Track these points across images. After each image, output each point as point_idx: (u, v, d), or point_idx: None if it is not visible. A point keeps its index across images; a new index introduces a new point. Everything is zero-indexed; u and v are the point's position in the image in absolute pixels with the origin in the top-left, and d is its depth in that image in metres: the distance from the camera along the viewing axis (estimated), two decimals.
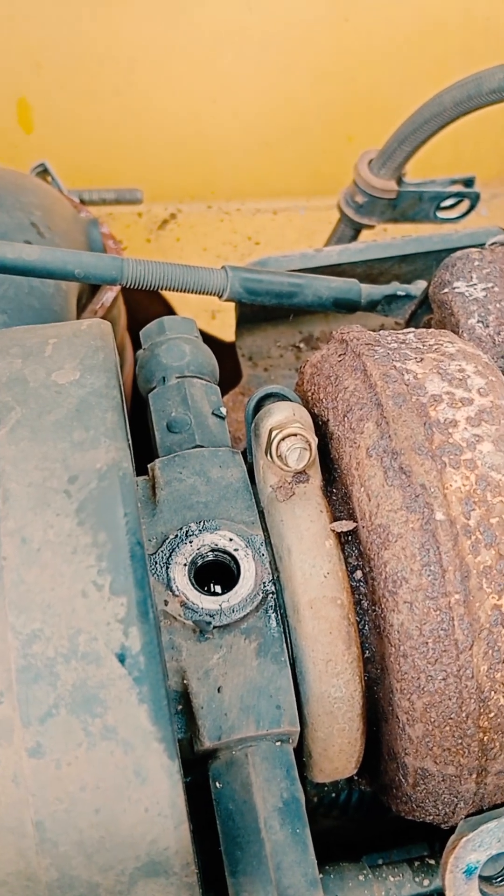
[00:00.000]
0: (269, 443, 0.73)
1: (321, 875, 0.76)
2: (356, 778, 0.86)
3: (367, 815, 1.13)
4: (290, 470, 0.73)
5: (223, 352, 1.29)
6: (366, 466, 0.70)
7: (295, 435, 0.73)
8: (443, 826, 0.74)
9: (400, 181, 1.32)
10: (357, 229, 1.39)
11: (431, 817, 0.73)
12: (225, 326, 1.53)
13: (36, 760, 0.57)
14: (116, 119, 1.73)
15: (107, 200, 1.50)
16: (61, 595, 0.58)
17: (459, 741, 0.67)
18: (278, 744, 0.70)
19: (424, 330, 0.82)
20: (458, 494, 0.67)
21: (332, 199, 1.42)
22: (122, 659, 0.57)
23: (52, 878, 0.58)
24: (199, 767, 0.72)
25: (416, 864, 0.78)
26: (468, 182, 1.35)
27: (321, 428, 0.78)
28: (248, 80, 1.74)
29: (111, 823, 0.58)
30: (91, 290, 1.27)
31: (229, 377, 1.25)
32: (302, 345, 1.24)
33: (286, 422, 0.73)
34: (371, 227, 1.38)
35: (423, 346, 0.77)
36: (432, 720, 0.67)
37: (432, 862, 0.77)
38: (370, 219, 1.35)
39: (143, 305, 1.51)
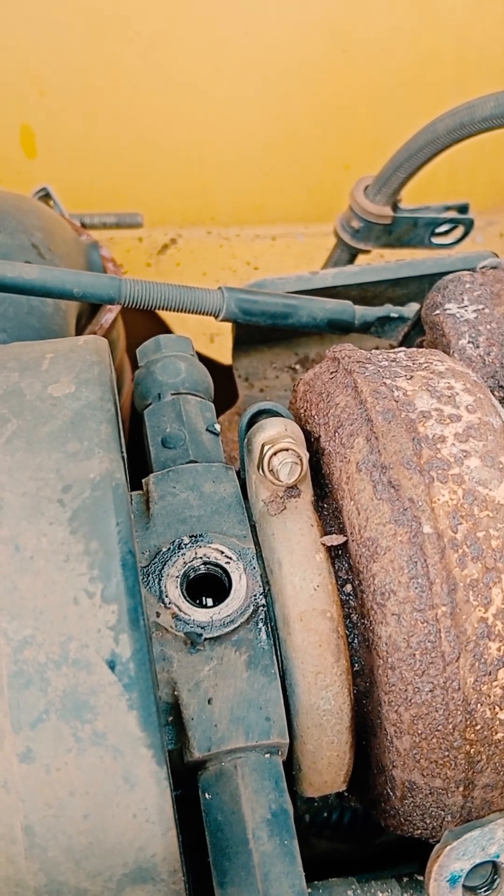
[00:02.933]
0: (261, 457, 0.75)
1: (310, 890, 0.77)
2: (346, 794, 0.86)
3: (360, 836, 1.13)
4: (282, 484, 0.75)
5: (221, 374, 1.31)
6: (355, 481, 0.71)
7: (286, 450, 0.74)
8: (430, 841, 0.74)
9: (395, 207, 1.34)
10: (353, 254, 1.41)
11: (420, 831, 0.74)
12: (223, 350, 1.55)
13: (26, 766, 0.57)
14: (118, 145, 1.76)
15: (107, 224, 1.53)
16: (53, 602, 0.59)
17: (446, 753, 0.67)
18: (267, 755, 0.71)
19: (415, 349, 0.84)
20: (446, 508, 0.68)
21: (330, 225, 1.44)
22: (112, 666, 0.58)
23: (40, 884, 0.59)
24: (189, 779, 0.72)
25: (405, 879, 0.78)
26: (462, 208, 1.37)
27: (313, 444, 0.79)
28: (248, 109, 1.77)
29: (99, 829, 0.58)
30: (91, 311, 1.29)
31: (226, 399, 1.27)
32: (297, 366, 1.26)
33: (278, 437, 0.75)
34: (367, 251, 1.40)
35: (413, 364, 0.79)
36: (419, 732, 0.67)
37: (420, 878, 0.77)
38: (366, 244, 1.38)
39: (143, 328, 1.53)
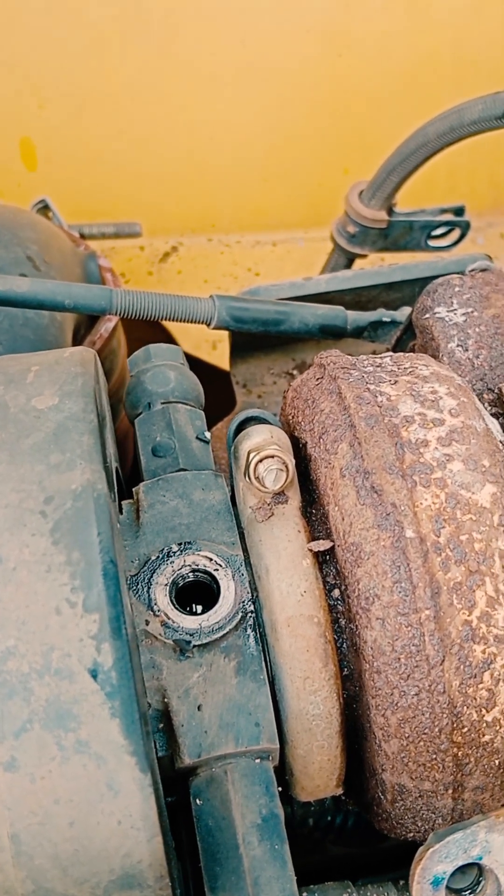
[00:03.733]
0: (248, 465, 0.75)
1: (305, 893, 0.77)
2: (344, 798, 0.87)
3: (364, 840, 1.13)
4: (268, 491, 0.75)
5: (224, 381, 1.32)
6: (339, 486, 0.72)
7: (272, 457, 0.75)
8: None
9: (391, 211, 1.35)
10: (350, 259, 1.42)
11: (412, 834, 0.74)
12: (225, 356, 1.55)
13: (11, 774, 0.58)
14: (117, 156, 1.77)
15: (106, 234, 1.54)
16: (35, 612, 0.60)
17: (434, 756, 0.68)
18: (258, 761, 0.71)
19: (402, 354, 0.84)
20: (429, 512, 0.69)
21: (328, 230, 1.45)
22: (94, 674, 0.59)
23: (28, 891, 0.59)
24: (181, 785, 0.73)
25: (402, 882, 0.78)
26: (458, 211, 1.37)
27: (301, 450, 0.80)
28: (246, 116, 1.78)
29: (85, 837, 0.59)
30: (90, 321, 1.30)
31: (229, 406, 1.28)
32: (295, 372, 1.26)
33: (264, 444, 0.75)
34: (364, 256, 1.41)
35: (399, 369, 0.79)
36: (406, 735, 0.68)
37: None
38: (362, 248, 1.38)
39: (146, 338, 1.54)
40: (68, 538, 0.61)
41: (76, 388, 0.69)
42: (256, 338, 1.17)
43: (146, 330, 1.63)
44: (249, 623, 0.74)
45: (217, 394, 1.22)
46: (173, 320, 1.01)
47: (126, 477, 1.00)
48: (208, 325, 1.02)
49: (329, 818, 1.11)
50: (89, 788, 0.58)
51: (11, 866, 0.59)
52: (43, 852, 0.59)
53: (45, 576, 0.60)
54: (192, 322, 1.02)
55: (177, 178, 1.80)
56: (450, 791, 0.69)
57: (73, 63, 1.72)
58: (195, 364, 1.02)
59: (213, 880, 0.68)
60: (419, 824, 0.72)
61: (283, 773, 0.76)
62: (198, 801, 0.71)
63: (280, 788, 0.73)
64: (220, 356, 1.70)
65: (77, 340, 1.24)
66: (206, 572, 0.76)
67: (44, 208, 1.45)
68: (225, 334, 1.20)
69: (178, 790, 0.73)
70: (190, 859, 0.75)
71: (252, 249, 1.84)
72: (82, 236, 1.48)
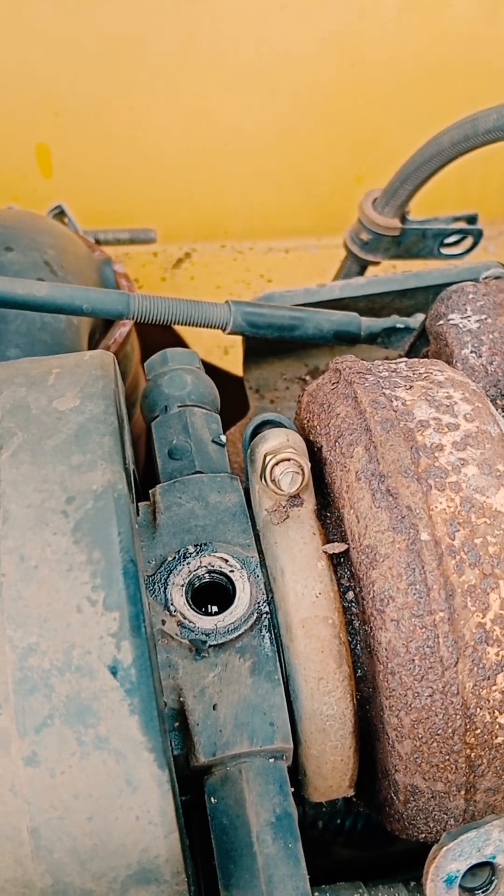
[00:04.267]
0: (264, 467, 0.76)
1: (317, 893, 0.77)
2: (355, 799, 0.87)
3: (374, 842, 1.14)
4: (284, 493, 0.76)
5: (235, 386, 1.33)
6: (355, 489, 0.72)
7: (288, 460, 0.75)
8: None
9: (404, 219, 1.36)
10: (363, 266, 1.43)
11: (424, 835, 0.74)
12: (237, 361, 1.57)
13: (32, 769, 0.59)
14: (132, 163, 1.79)
15: (121, 240, 1.55)
16: (57, 610, 0.61)
17: (446, 757, 0.68)
18: (272, 760, 0.72)
19: (417, 359, 0.85)
20: (444, 516, 0.69)
21: (342, 237, 1.46)
22: (114, 672, 0.60)
23: (46, 885, 0.60)
24: (196, 784, 0.73)
25: (413, 883, 0.79)
26: (471, 219, 1.38)
27: (316, 454, 0.80)
28: (259, 124, 1.80)
29: (103, 831, 0.60)
30: (104, 326, 1.31)
31: (241, 410, 1.29)
32: (308, 377, 1.27)
33: (280, 447, 0.76)
34: (377, 263, 1.42)
35: (413, 374, 0.80)
36: (420, 736, 0.68)
37: None
38: (375, 255, 1.39)
39: (159, 342, 1.56)
40: (89, 537, 0.62)
41: (97, 390, 0.70)
42: (270, 343, 1.18)
43: (159, 335, 1.64)
44: (264, 624, 0.75)
45: (229, 399, 1.23)
46: (189, 325, 1.02)
47: (140, 478, 1.02)
48: (224, 329, 1.03)
49: (339, 821, 1.12)
50: (108, 784, 0.59)
51: (31, 860, 0.60)
52: (62, 846, 0.60)
53: (67, 574, 0.61)
54: (207, 327, 1.03)
55: (190, 185, 1.82)
56: (462, 792, 0.70)
57: (88, 72, 1.74)
58: (207, 370, 1.04)
59: (227, 878, 0.69)
60: (431, 825, 0.73)
61: (297, 773, 0.77)
62: (212, 799, 0.71)
63: (292, 789, 0.74)
64: (231, 362, 1.71)
65: (92, 345, 1.26)
66: (221, 573, 0.77)
67: (59, 214, 1.47)
68: (236, 340, 1.22)
69: (192, 789, 0.74)
70: (201, 859, 0.76)
71: (265, 256, 1.86)
72: (97, 242, 1.49)
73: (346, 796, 0.81)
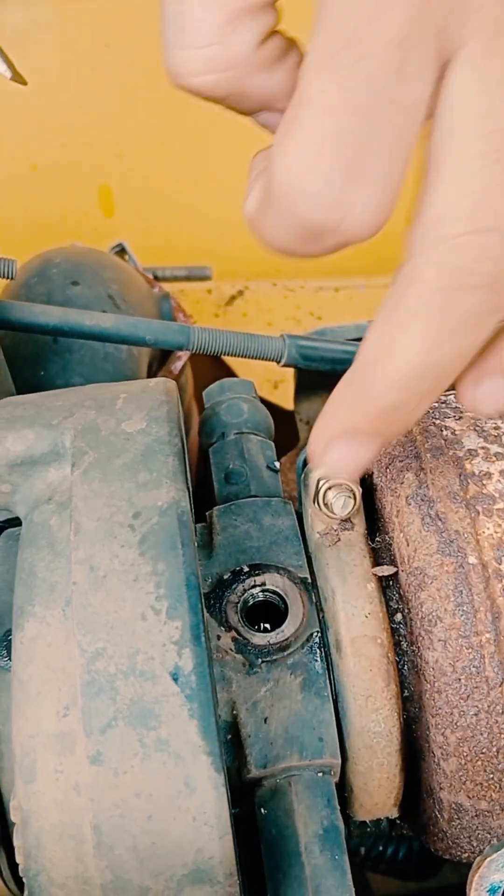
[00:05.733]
0: (317, 492, 0.80)
1: None
2: (399, 822, 0.89)
3: (415, 871, 1.14)
4: (336, 517, 0.79)
5: (283, 419, 1.37)
6: (405, 514, 0.76)
7: (340, 485, 0.79)
8: None
9: None
10: None
11: (467, 854, 0.76)
12: (286, 395, 1.61)
13: (96, 768, 0.62)
14: (190, 203, 1.86)
15: (178, 277, 1.61)
16: (123, 617, 0.64)
17: (491, 776, 0.70)
18: (320, 774, 0.75)
19: None
20: (491, 541, 0.72)
21: (390, 277, 1.50)
22: (175, 677, 0.63)
23: (106, 881, 0.63)
24: (246, 796, 0.76)
25: None
26: None
27: (366, 481, 0.84)
28: None
29: (162, 830, 0.63)
30: (161, 358, 1.37)
31: (288, 442, 1.33)
32: None
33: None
34: None
35: None
36: (465, 754, 0.71)
37: None
38: None
39: (211, 376, 1.61)
40: (154, 550, 0.66)
41: (162, 414, 0.75)
42: (321, 376, 1.22)
43: (211, 370, 1.69)
44: (315, 642, 0.78)
45: (278, 431, 1.27)
46: (245, 356, 1.06)
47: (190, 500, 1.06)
48: (278, 361, 1.08)
49: (381, 847, 1.13)
50: (168, 785, 0.62)
51: (92, 856, 0.63)
52: (122, 843, 0.63)
53: (133, 584, 0.65)
54: (262, 359, 1.07)
55: (245, 226, 1.88)
56: None
57: (150, 116, 1.83)
58: None
59: (275, 887, 0.71)
60: (475, 844, 0.75)
61: (343, 789, 0.79)
62: (262, 810, 0.74)
63: (339, 806, 0.76)
64: (281, 395, 1.75)
65: (150, 375, 1.31)
66: (275, 592, 0.80)
67: (121, 251, 1.54)
68: (286, 375, 1.26)
69: (241, 802, 0.77)
70: (247, 877, 0.78)
71: (315, 294, 1.90)
72: (156, 278, 1.55)
73: (390, 816, 0.83)
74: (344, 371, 1.13)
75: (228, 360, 1.66)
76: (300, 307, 1.91)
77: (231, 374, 1.80)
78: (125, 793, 0.63)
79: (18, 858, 0.66)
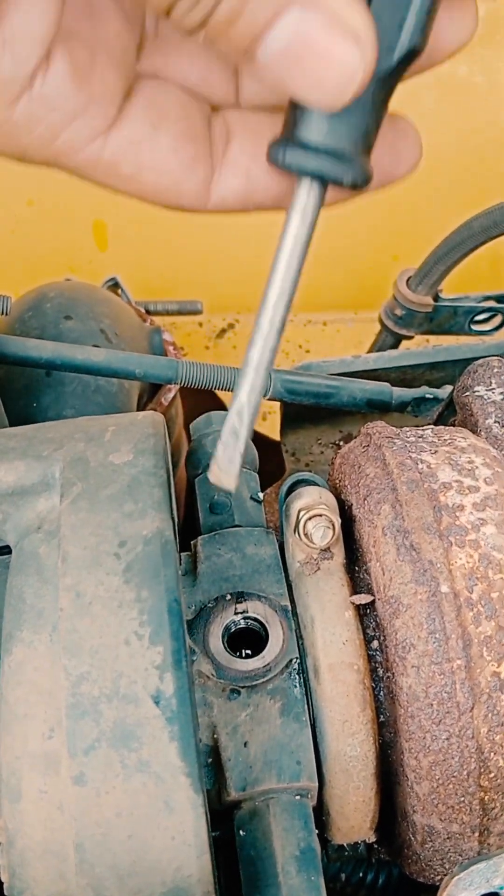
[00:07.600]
0: (298, 522, 0.83)
1: None
2: (376, 846, 0.91)
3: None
4: (316, 547, 0.82)
5: (271, 449, 1.40)
6: (381, 544, 0.79)
7: (320, 515, 0.82)
8: None
9: (437, 297, 1.44)
10: (398, 339, 1.51)
11: (440, 876, 0.78)
12: (273, 426, 1.64)
13: (79, 788, 0.65)
14: (181, 239, 1.90)
15: (170, 311, 1.65)
16: (107, 642, 0.67)
17: (462, 799, 0.73)
18: (298, 797, 0.77)
19: (442, 427, 0.91)
20: (463, 570, 0.75)
21: (378, 312, 1.54)
22: (157, 701, 0.66)
23: None
24: (224, 820, 0.78)
25: None
26: (501, 298, 1.46)
27: (346, 511, 0.87)
28: None
29: (142, 849, 0.65)
30: (151, 390, 1.40)
31: (275, 473, 1.36)
32: (341, 443, 1.34)
33: (313, 504, 0.83)
34: (410, 337, 1.50)
35: (439, 440, 0.87)
36: (437, 778, 0.73)
37: None
38: (409, 330, 1.47)
39: (202, 407, 1.64)
40: (138, 578, 0.69)
41: (149, 446, 0.78)
42: (306, 410, 1.26)
43: (202, 401, 1.73)
44: (294, 668, 0.80)
45: (265, 463, 1.30)
46: (232, 390, 1.09)
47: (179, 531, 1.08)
48: (264, 395, 1.11)
49: (360, 873, 1.15)
50: (148, 804, 0.65)
51: (74, 874, 0.65)
52: (103, 862, 0.65)
53: (117, 610, 0.68)
54: None
55: (236, 261, 1.92)
56: (476, 834, 0.74)
57: None
58: None
59: None
60: (447, 867, 0.77)
61: (321, 813, 0.81)
62: (241, 832, 0.76)
63: (317, 831, 0.78)
64: (268, 427, 1.79)
65: (140, 407, 1.34)
66: (256, 620, 0.83)
67: (114, 286, 1.58)
68: (273, 407, 1.29)
69: (221, 825, 0.79)
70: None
71: (304, 328, 1.94)
72: (148, 312, 1.59)
73: (367, 839, 0.85)
74: (327, 405, 1.17)
75: (219, 391, 1.70)
76: (289, 340, 1.95)
77: (221, 405, 1.83)
78: (107, 812, 0.65)
79: (3, 877, 0.68)
